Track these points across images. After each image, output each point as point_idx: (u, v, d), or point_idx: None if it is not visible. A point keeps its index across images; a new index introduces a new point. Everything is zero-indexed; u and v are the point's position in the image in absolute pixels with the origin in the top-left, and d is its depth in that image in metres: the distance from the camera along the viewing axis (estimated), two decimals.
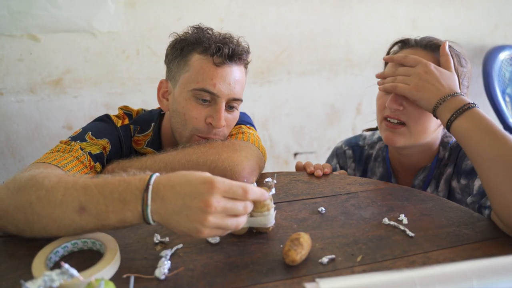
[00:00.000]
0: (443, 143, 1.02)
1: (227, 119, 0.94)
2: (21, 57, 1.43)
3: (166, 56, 0.99)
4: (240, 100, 0.95)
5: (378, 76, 0.97)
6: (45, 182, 0.63)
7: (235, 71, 0.92)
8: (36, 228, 0.63)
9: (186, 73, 0.92)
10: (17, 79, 1.45)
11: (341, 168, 1.18)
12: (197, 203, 0.56)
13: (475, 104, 0.79)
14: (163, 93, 1.00)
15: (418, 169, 1.03)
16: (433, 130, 0.96)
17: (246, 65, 0.98)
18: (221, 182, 0.58)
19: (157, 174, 0.62)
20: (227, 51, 0.89)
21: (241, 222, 0.60)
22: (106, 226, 0.61)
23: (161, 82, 1.00)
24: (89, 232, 0.63)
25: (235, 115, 0.98)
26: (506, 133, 0.74)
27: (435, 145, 1.01)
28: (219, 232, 0.59)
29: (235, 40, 0.94)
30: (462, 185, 0.95)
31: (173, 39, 0.97)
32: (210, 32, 0.94)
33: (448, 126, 0.80)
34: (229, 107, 0.94)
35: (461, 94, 0.82)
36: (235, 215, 0.59)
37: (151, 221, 0.60)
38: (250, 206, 0.61)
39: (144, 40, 1.56)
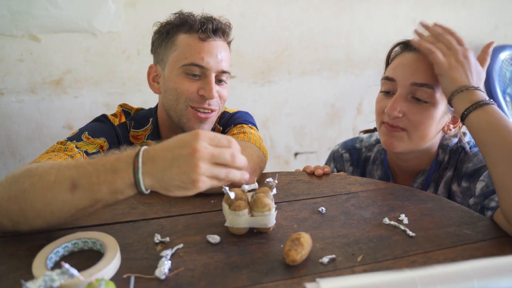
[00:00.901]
0: (443, 146, 1.01)
1: (219, 91, 0.98)
2: (21, 57, 1.43)
3: (152, 44, 1.03)
4: (228, 72, 0.99)
5: (420, 26, 0.92)
6: (39, 170, 0.64)
7: (220, 45, 0.97)
8: (30, 216, 0.63)
9: (174, 52, 0.96)
10: (17, 79, 1.45)
11: (339, 172, 1.18)
12: (185, 151, 0.57)
13: (494, 102, 0.78)
14: (153, 77, 1.04)
15: (417, 172, 1.03)
16: (433, 136, 0.95)
17: (229, 43, 1.02)
18: (206, 131, 0.60)
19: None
20: (211, 26, 0.95)
21: (234, 173, 0.61)
22: (99, 201, 0.61)
23: (150, 67, 1.04)
24: (82, 211, 0.63)
25: (226, 88, 1.01)
26: None
27: (434, 148, 1.01)
28: (215, 183, 0.59)
29: (217, 18, 0.99)
30: (464, 188, 0.95)
31: (156, 27, 1.01)
32: (192, 14, 0.99)
33: (464, 115, 0.79)
34: (219, 81, 0.98)
35: (483, 91, 0.81)
36: (225, 165, 0.60)
37: (142, 187, 0.59)
38: (238, 157, 0.61)
39: (145, 40, 1.55)
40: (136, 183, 0.59)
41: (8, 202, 0.64)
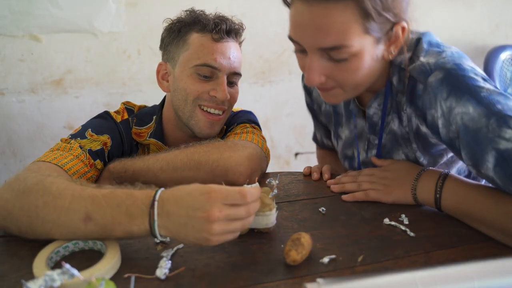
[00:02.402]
0: (393, 63, 0.83)
1: (230, 93, 0.97)
2: (22, 57, 1.43)
3: (162, 40, 1.02)
4: (239, 74, 0.99)
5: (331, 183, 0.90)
6: (53, 188, 0.64)
7: (233, 46, 0.96)
8: (39, 231, 0.64)
9: (186, 52, 0.95)
10: (18, 79, 1.45)
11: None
12: (200, 213, 0.57)
13: (446, 172, 0.77)
14: (162, 75, 1.02)
15: (373, 94, 0.88)
16: (371, 76, 0.79)
17: (240, 43, 1.02)
18: (218, 190, 0.59)
19: (162, 189, 0.63)
20: (224, 26, 0.93)
21: (247, 221, 0.62)
22: (110, 237, 0.62)
23: (160, 65, 1.02)
24: (91, 239, 0.64)
25: (236, 90, 1.01)
26: (484, 185, 0.72)
27: (383, 70, 0.82)
28: (229, 236, 0.60)
29: (230, 18, 0.98)
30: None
31: (167, 24, 1.00)
32: (204, 13, 0.97)
33: (439, 207, 0.76)
34: (229, 83, 0.98)
35: (423, 170, 0.79)
36: (239, 219, 0.60)
37: (158, 236, 0.60)
38: (253, 207, 0.61)
39: (145, 40, 1.56)
40: (152, 231, 0.60)
41: (19, 213, 0.64)
